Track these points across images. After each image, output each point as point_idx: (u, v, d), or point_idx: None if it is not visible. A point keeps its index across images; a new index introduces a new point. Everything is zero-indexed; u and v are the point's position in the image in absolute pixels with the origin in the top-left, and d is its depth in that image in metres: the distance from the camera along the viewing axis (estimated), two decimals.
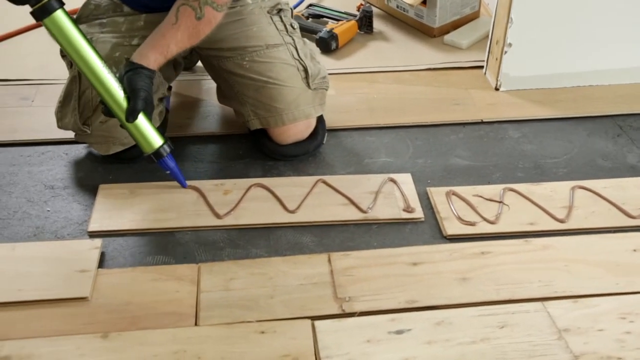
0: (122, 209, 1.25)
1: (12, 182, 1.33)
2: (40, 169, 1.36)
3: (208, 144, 1.45)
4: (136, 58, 1.18)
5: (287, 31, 1.39)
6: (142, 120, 1.19)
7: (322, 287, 1.10)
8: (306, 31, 1.88)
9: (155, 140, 1.22)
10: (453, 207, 1.27)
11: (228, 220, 1.23)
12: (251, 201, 1.28)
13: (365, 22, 1.90)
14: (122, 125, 1.21)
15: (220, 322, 1.04)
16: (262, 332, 1.02)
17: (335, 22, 1.90)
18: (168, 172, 1.26)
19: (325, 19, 1.95)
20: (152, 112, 1.22)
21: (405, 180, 1.35)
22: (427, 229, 1.24)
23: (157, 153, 1.23)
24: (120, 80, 1.18)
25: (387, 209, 1.27)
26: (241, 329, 1.03)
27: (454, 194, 1.31)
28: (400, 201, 1.29)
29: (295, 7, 2.03)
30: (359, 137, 1.49)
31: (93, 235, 1.20)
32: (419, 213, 1.26)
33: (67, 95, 1.31)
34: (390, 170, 1.38)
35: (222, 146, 1.45)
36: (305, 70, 1.36)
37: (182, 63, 1.49)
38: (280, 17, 1.40)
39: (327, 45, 1.80)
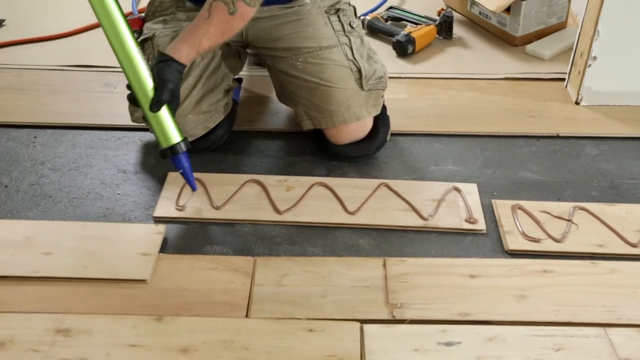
0: (187, 197, 1.29)
1: (89, 164, 1.39)
2: (115, 153, 1.42)
3: (275, 140, 1.47)
4: (168, 50, 1.19)
5: (344, 31, 1.37)
6: (164, 112, 1.18)
7: (375, 291, 1.09)
8: (384, 34, 1.88)
9: (174, 135, 1.20)
10: (518, 221, 1.23)
11: (288, 217, 1.24)
12: (312, 199, 1.29)
13: (444, 27, 1.87)
14: (144, 117, 1.21)
15: (270, 316, 1.05)
16: (310, 330, 1.02)
17: (415, 25, 1.88)
18: (180, 171, 1.22)
19: (404, 22, 1.93)
20: (177, 107, 1.21)
21: (471, 190, 1.32)
22: (488, 242, 1.20)
23: (173, 149, 1.20)
24: (151, 70, 1.18)
25: (448, 218, 1.25)
26: (290, 325, 1.03)
27: (520, 208, 1.26)
28: (463, 211, 1.26)
29: (375, 9, 2.02)
30: (427, 143, 1.47)
31: (158, 220, 1.24)
32: (481, 225, 1.23)
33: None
34: (456, 179, 1.35)
35: (289, 143, 1.46)
36: (359, 71, 1.34)
37: (246, 52, 1.51)
38: (339, 17, 1.38)
39: (404, 48, 1.79)
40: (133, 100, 1.20)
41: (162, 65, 1.17)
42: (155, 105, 1.16)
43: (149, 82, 1.17)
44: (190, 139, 1.35)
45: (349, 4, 1.44)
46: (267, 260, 1.15)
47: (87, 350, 0.98)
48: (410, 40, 1.79)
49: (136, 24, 1.40)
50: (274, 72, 1.41)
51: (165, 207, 1.26)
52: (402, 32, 1.81)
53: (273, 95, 1.61)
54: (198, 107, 1.33)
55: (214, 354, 0.98)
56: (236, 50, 1.46)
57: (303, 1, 1.37)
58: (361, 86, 1.35)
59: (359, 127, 1.37)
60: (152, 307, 1.06)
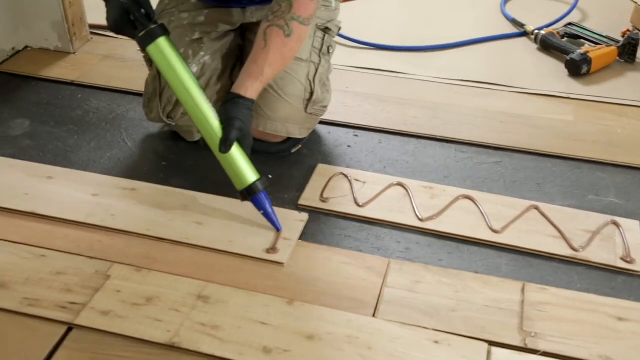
0: (332, 190, 1.31)
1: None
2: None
3: (427, 147, 1.46)
4: (234, 88, 1.18)
5: (319, 51, 1.36)
6: (236, 152, 1.15)
7: (509, 314, 1.05)
8: (557, 50, 1.79)
9: (249, 175, 1.16)
10: None
11: (429, 224, 1.23)
12: (456, 211, 1.26)
13: (628, 50, 1.74)
14: (217, 158, 1.18)
15: (397, 320, 1.04)
16: (436, 342, 1.00)
17: (593, 45, 1.77)
18: (262, 212, 1.18)
19: (582, 40, 1.83)
20: (250, 144, 1.18)
21: (632, 227, 1.21)
22: None
23: (250, 189, 1.16)
24: (219, 111, 1.17)
25: (601, 253, 1.16)
26: (415, 333, 1.02)
27: None
28: (620, 248, 1.17)
29: (552, 24, 1.93)
30: (589, 171, 1.38)
31: (302, 208, 1.28)
32: (638, 265, 1.13)
33: (152, 93, 1.39)
34: (617, 213, 1.26)
35: (441, 150, 1.44)
36: (311, 94, 1.34)
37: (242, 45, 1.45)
38: (324, 36, 1.37)
39: (578, 68, 1.69)
40: (206, 143, 1.19)
41: (228, 104, 1.17)
42: (223, 145, 1.14)
43: (215, 124, 1.15)
44: None
45: (338, 26, 1.42)
46: (401, 264, 1.15)
47: (221, 319, 1.04)
48: (586, 60, 1.69)
49: None
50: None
51: (311, 196, 1.30)
52: (578, 51, 1.72)
53: (425, 98, 1.60)
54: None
55: (337, 346, 1.00)
56: None
57: None
58: (306, 108, 1.34)
59: (280, 137, 1.38)
60: (285, 290, 1.10)
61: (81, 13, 1.80)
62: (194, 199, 1.29)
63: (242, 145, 1.17)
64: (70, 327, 1.02)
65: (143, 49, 1.18)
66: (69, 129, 1.50)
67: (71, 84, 1.67)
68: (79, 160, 1.40)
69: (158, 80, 1.36)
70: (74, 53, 1.79)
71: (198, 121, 1.17)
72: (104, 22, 1.21)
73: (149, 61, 1.39)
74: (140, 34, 1.16)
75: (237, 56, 1.41)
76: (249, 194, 1.17)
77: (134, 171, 1.38)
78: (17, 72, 1.71)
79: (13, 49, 1.78)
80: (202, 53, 1.35)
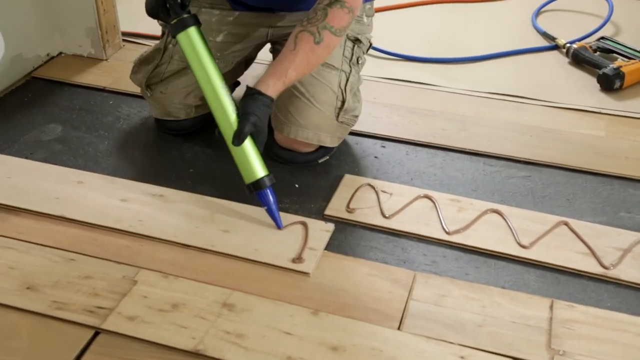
0: (358, 201, 1.31)
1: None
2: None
3: (455, 159, 1.45)
4: (256, 85, 1.20)
5: (350, 60, 1.38)
6: (247, 146, 1.19)
7: (536, 331, 1.03)
8: (589, 64, 1.77)
9: (258, 170, 1.20)
10: None
11: (455, 238, 1.22)
12: (484, 224, 1.25)
13: None
14: (230, 150, 1.21)
15: (422, 334, 1.03)
16: (462, 357, 0.99)
17: (627, 60, 1.74)
18: (265, 207, 1.21)
19: (615, 54, 1.80)
20: (264, 140, 1.21)
21: None
22: None
23: (257, 184, 1.19)
24: (238, 105, 1.20)
25: (633, 272, 1.14)
26: (440, 347, 1.01)
27: None
28: None
29: (584, 38, 1.91)
30: (620, 187, 1.35)
31: (328, 218, 1.28)
32: None
33: (148, 59, 1.45)
34: None
35: (469, 163, 1.43)
36: (343, 102, 1.35)
37: (254, 58, 1.53)
38: (354, 46, 1.39)
39: (610, 83, 1.67)
40: (222, 135, 1.22)
41: (247, 99, 1.19)
42: (236, 139, 1.17)
43: (232, 117, 1.19)
44: (170, 118, 1.43)
45: (369, 40, 1.44)
46: (427, 277, 1.14)
47: (246, 327, 1.04)
48: (619, 74, 1.66)
49: None
50: None
51: (337, 206, 1.30)
52: (611, 65, 1.69)
53: (453, 110, 1.59)
54: (187, 99, 1.43)
55: (362, 359, 0.99)
56: (246, 57, 1.48)
57: None
58: (337, 116, 1.34)
59: (308, 147, 1.38)
60: (310, 300, 1.10)
61: (114, 20, 1.83)
62: (221, 206, 1.29)
63: (255, 141, 1.20)
64: (97, 332, 1.03)
65: (174, 36, 1.23)
66: (99, 135, 1.53)
67: (103, 90, 1.69)
68: (108, 165, 1.42)
69: (160, 55, 1.43)
70: (106, 60, 1.82)
71: (217, 112, 1.21)
72: (136, 30, 1.25)
73: (162, 34, 1.46)
74: (173, 22, 1.22)
75: (240, 72, 1.49)
76: (255, 188, 1.21)
77: (162, 178, 1.39)
78: (51, 77, 1.74)
79: (47, 54, 1.82)
80: (218, 54, 1.38)
